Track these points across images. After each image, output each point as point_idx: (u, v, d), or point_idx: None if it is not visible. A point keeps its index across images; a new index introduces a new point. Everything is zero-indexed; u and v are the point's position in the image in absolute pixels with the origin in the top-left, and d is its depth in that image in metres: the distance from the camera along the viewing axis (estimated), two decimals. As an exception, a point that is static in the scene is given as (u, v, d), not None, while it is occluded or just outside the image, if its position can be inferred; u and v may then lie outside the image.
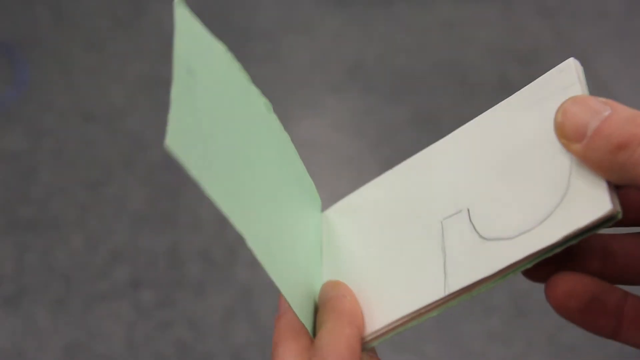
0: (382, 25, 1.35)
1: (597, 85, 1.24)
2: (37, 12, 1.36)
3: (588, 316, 0.28)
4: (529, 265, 0.27)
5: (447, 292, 0.28)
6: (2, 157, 1.19)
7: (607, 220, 0.25)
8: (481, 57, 1.30)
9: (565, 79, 0.29)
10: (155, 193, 1.14)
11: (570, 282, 0.27)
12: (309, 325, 0.31)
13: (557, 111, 0.27)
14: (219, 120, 0.28)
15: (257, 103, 0.32)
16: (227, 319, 1.03)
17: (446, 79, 1.27)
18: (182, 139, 0.25)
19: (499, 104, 0.31)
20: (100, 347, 1.01)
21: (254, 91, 0.32)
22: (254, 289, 1.05)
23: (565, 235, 0.26)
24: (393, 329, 0.30)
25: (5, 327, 1.03)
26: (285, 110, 1.23)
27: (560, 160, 0.27)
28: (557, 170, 0.27)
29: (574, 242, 0.26)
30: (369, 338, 0.30)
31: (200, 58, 0.28)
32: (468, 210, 0.30)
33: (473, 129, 0.32)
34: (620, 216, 0.25)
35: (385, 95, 1.24)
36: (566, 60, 0.29)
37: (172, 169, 1.17)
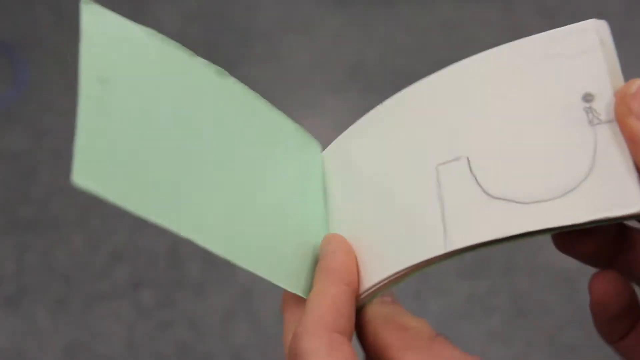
0: (382, 26, 1.35)
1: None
2: (37, 12, 1.35)
3: (613, 317, 0.27)
4: (542, 235, 0.26)
5: (449, 249, 0.26)
6: (2, 157, 1.19)
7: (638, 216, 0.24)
8: (481, 57, 1.30)
9: (586, 42, 0.27)
10: (156, 193, 1.14)
11: (618, 285, 0.27)
12: (304, 290, 0.30)
13: (633, 83, 0.26)
14: (150, 121, 0.26)
15: (205, 74, 0.29)
16: (227, 319, 1.03)
17: (446, 79, 1.27)
18: (94, 168, 0.23)
19: (507, 44, 0.28)
20: (100, 347, 1.01)
21: (199, 64, 0.29)
22: (254, 289, 1.05)
23: (591, 220, 0.25)
24: (392, 281, 0.28)
25: (6, 327, 1.03)
26: (285, 110, 1.23)
27: (583, 131, 0.26)
28: (579, 140, 0.26)
29: (598, 224, 0.25)
30: (366, 293, 0.29)
31: (117, 59, 0.25)
32: (468, 159, 0.27)
33: (477, 66, 0.29)
34: None
35: (385, 96, 1.24)
36: (587, 21, 0.27)
37: (172, 169, 1.17)
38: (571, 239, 0.28)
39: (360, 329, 0.29)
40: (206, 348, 1.01)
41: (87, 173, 0.22)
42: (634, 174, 0.24)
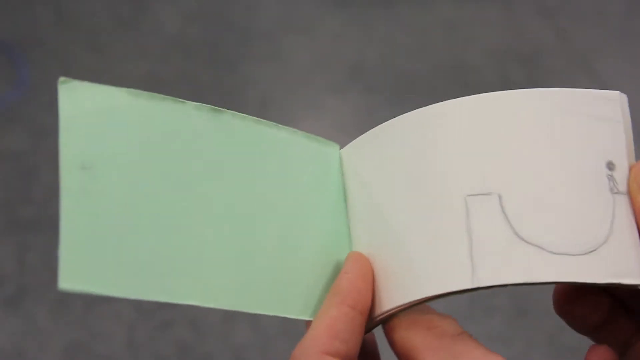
0: (382, 26, 1.35)
1: (597, 85, 1.24)
2: (37, 11, 1.35)
3: None
4: (558, 284, 0.28)
5: (475, 285, 0.27)
6: (2, 157, 1.19)
7: None
8: (482, 58, 1.30)
9: (610, 111, 0.28)
10: (156, 193, 1.14)
11: (612, 358, 0.29)
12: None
13: None
14: (142, 194, 0.24)
15: (199, 118, 0.28)
16: (228, 319, 1.03)
17: (447, 79, 1.27)
18: (82, 269, 0.22)
19: (535, 90, 0.29)
20: (100, 347, 1.01)
21: (190, 109, 0.27)
22: (254, 289, 1.05)
23: (607, 283, 0.26)
24: (411, 305, 0.28)
25: (6, 327, 1.03)
26: (285, 110, 1.23)
27: (605, 197, 0.27)
28: (602, 204, 0.27)
29: (611, 287, 0.27)
30: (384, 315, 0.29)
31: (100, 136, 0.24)
32: (499, 196, 0.27)
33: (507, 101, 0.28)
34: None
35: (386, 96, 1.24)
36: (613, 92, 0.29)
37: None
38: (570, 302, 0.30)
39: (389, 339, 0.29)
40: (206, 348, 1.01)
41: (74, 276, 0.22)
42: (638, 246, 0.27)
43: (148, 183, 0.25)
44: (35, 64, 1.29)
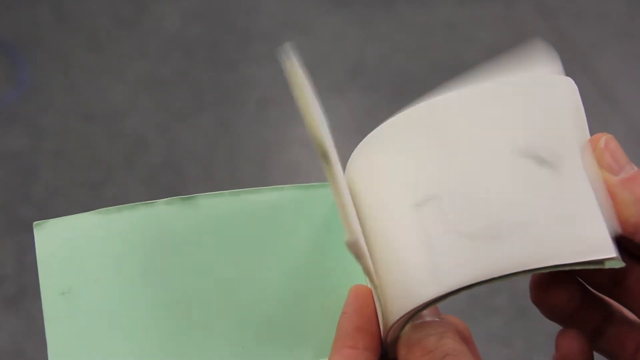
0: (383, 26, 1.35)
1: (597, 85, 1.24)
2: (38, 11, 1.35)
3: None
4: (524, 275, 0.27)
5: (442, 292, 0.27)
6: (2, 157, 1.19)
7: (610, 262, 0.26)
8: (482, 58, 1.30)
9: (551, 93, 0.29)
10: (155, 193, 1.14)
11: (581, 343, 0.28)
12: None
13: (600, 137, 0.27)
14: (125, 300, 0.26)
15: (171, 213, 0.29)
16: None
17: (447, 79, 1.27)
18: None
19: (467, 89, 0.30)
20: (100, 347, 1.01)
21: (161, 206, 0.28)
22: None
23: (572, 263, 0.26)
24: (405, 320, 0.28)
25: (6, 328, 1.03)
26: (285, 110, 1.23)
27: (551, 177, 0.27)
28: (548, 186, 0.27)
29: (577, 268, 0.26)
30: (389, 335, 0.29)
31: (75, 263, 0.26)
32: (439, 199, 0.28)
33: (435, 109, 0.30)
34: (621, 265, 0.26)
35: (386, 96, 1.24)
36: (542, 75, 0.29)
37: (172, 169, 1.17)
38: (546, 290, 0.30)
39: None
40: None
41: None
42: (603, 222, 0.26)
43: (128, 288, 0.27)
44: (36, 64, 1.29)
